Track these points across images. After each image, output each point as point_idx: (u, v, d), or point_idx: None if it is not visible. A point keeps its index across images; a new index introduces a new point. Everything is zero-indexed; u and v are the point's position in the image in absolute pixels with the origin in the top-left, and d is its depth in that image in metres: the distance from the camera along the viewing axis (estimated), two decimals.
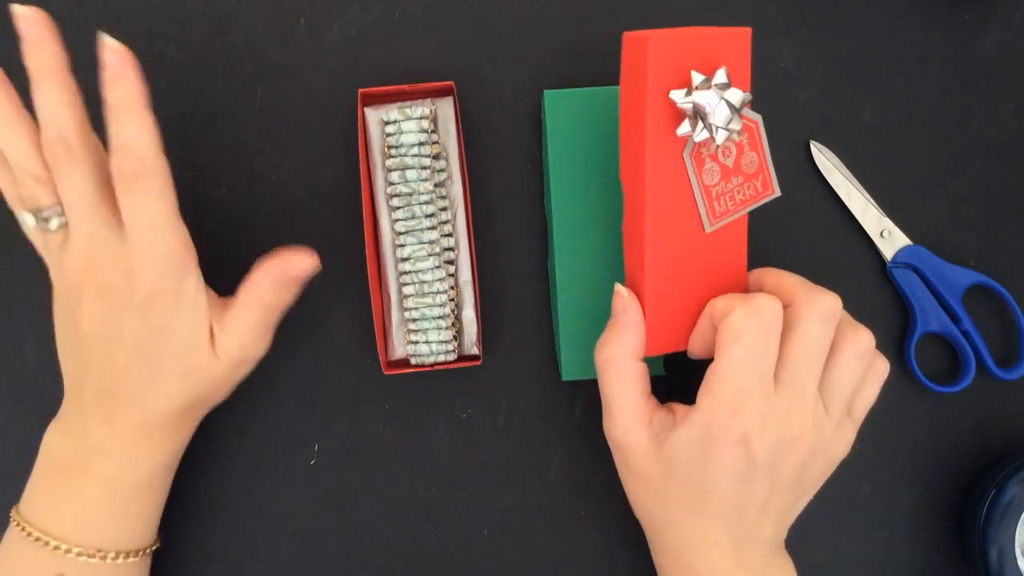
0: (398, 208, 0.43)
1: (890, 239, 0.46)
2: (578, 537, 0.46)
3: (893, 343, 0.47)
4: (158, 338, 0.38)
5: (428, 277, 0.43)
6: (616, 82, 0.46)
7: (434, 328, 0.43)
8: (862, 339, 0.38)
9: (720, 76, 0.35)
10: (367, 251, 0.43)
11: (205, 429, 0.45)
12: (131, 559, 0.39)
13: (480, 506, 0.46)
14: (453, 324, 0.44)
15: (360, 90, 0.43)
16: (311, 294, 0.46)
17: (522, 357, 0.46)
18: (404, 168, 0.43)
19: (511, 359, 0.46)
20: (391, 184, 0.43)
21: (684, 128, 0.35)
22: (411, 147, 0.43)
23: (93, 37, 0.46)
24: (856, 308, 0.47)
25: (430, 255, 0.43)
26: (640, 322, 0.39)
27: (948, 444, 0.47)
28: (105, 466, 0.38)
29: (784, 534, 0.40)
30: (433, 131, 0.43)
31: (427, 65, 0.46)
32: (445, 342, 0.43)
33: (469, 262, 0.44)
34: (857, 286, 0.47)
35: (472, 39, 0.47)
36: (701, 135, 0.35)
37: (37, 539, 0.38)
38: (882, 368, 0.39)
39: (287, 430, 0.46)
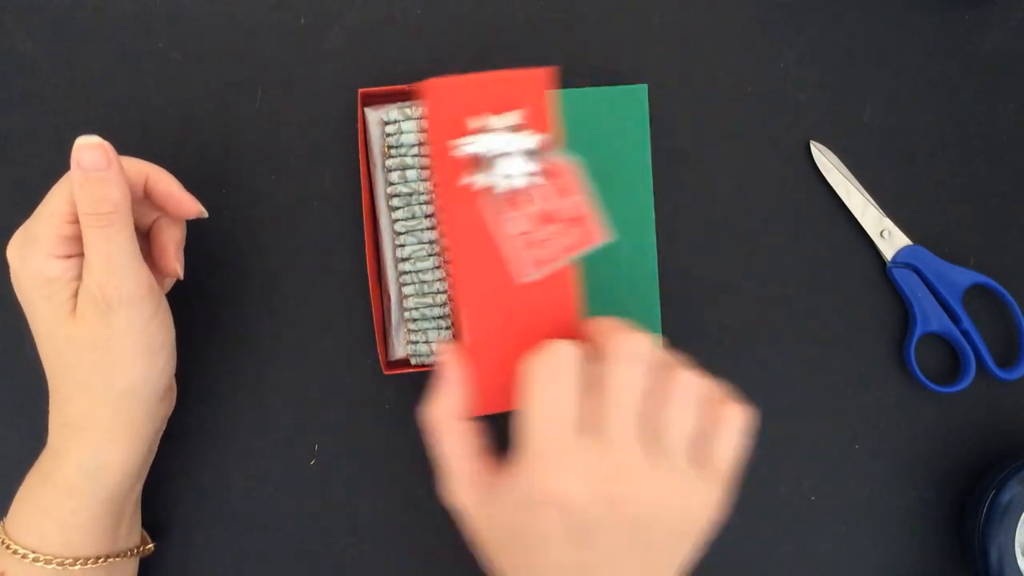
0: (398, 208, 0.43)
1: (890, 239, 0.46)
2: None
3: (893, 343, 0.47)
4: (27, 313, 0.38)
5: (428, 277, 0.43)
6: (616, 82, 0.47)
7: (434, 328, 0.43)
8: (689, 382, 0.34)
9: (503, 121, 0.34)
10: (367, 251, 0.43)
11: (205, 429, 0.45)
12: (75, 567, 0.38)
13: None
14: (453, 324, 0.44)
15: (360, 90, 0.43)
16: (312, 294, 0.46)
17: None
18: (404, 168, 0.43)
19: None
20: (391, 184, 0.43)
21: (468, 177, 0.34)
22: (411, 147, 0.43)
23: (94, 38, 0.46)
24: (856, 308, 0.47)
25: (430, 255, 0.43)
26: (460, 379, 0.36)
27: (948, 444, 0.47)
28: (43, 460, 0.39)
29: None
30: None
31: (427, 65, 0.46)
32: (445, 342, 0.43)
33: None
34: (857, 286, 0.47)
35: (472, 39, 0.47)
36: (483, 182, 0.34)
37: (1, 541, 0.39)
38: (733, 415, 0.35)
39: (287, 430, 0.46)
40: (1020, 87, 0.48)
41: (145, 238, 0.41)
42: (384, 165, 0.43)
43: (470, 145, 0.34)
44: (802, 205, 0.47)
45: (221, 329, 0.46)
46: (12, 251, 0.37)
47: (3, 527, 0.39)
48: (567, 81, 0.47)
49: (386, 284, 0.44)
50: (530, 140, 0.34)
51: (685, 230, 0.47)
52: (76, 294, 0.37)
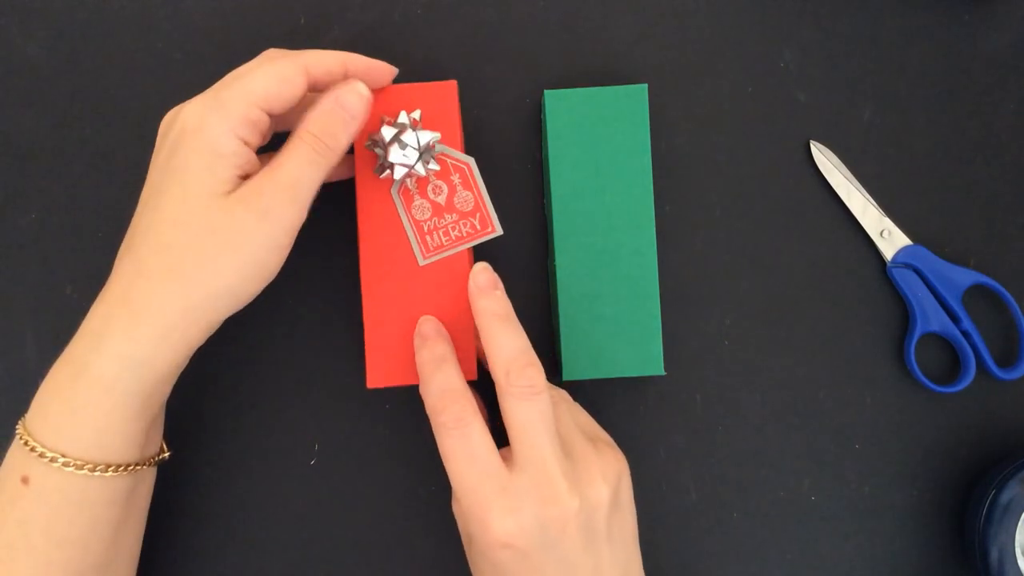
0: None
1: (890, 239, 0.46)
2: None
3: (893, 343, 0.47)
4: (166, 178, 0.35)
5: None
6: (616, 82, 0.47)
7: None
8: (538, 401, 0.36)
9: (401, 118, 0.40)
10: (360, 261, 0.43)
11: (205, 429, 0.45)
12: (107, 473, 0.35)
13: None
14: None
15: None
16: (313, 293, 0.46)
17: None
18: None
19: None
20: None
21: (376, 166, 0.40)
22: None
23: (94, 38, 0.46)
24: (856, 308, 0.47)
25: None
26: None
27: (948, 444, 0.47)
28: (76, 346, 0.35)
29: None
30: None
31: (427, 65, 0.46)
32: None
33: None
34: (857, 286, 0.47)
35: (472, 39, 0.47)
36: (385, 172, 0.40)
37: (19, 436, 0.35)
38: (558, 396, 0.40)
39: (287, 430, 0.46)
40: (1020, 87, 0.48)
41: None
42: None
43: (374, 135, 0.40)
44: (802, 205, 0.47)
45: (220, 328, 0.45)
46: (194, 108, 0.35)
47: (24, 426, 0.36)
48: (567, 81, 0.47)
49: None
50: (426, 134, 0.39)
51: (685, 230, 0.47)
52: (237, 178, 0.35)
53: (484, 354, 0.38)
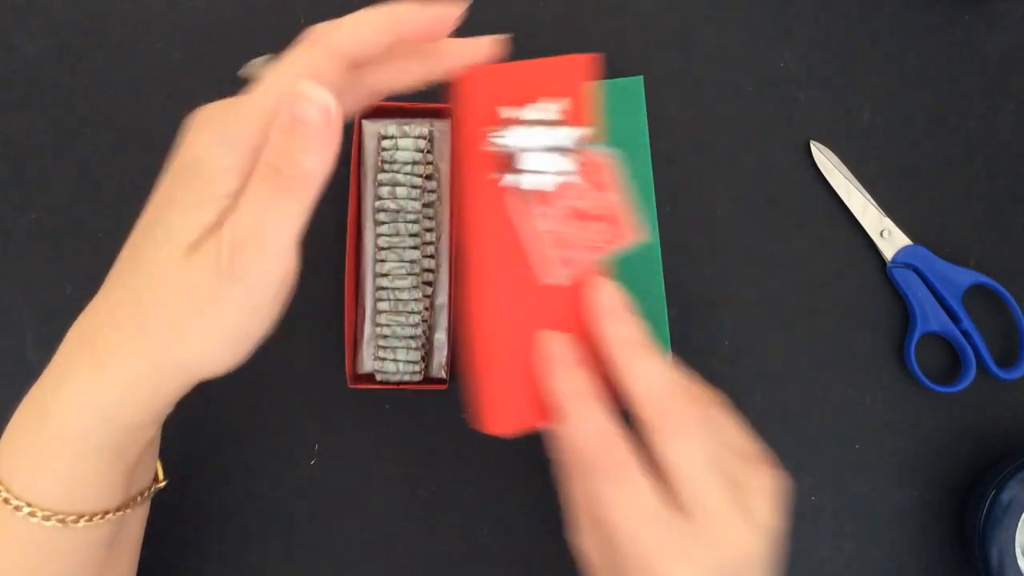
0: (383, 223, 0.43)
1: (890, 239, 0.46)
2: None
3: (893, 343, 0.47)
4: (159, 210, 0.30)
5: (404, 296, 0.43)
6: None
7: (403, 347, 0.43)
8: (697, 437, 0.32)
9: (537, 113, 0.31)
10: (347, 262, 0.43)
11: (204, 430, 0.45)
12: (79, 524, 0.31)
13: (480, 506, 0.46)
14: (423, 345, 0.44)
15: None
16: (312, 293, 0.46)
17: None
18: (395, 184, 0.42)
19: None
20: (380, 199, 0.43)
21: (497, 173, 0.31)
22: (404, 164, 0.43)
23: (94, 38, 0.46)
24: (856, 308, 0.47)
25: (409, 274, 0.43)
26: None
27: (948, 444, 0.47)
28: (44, 383, 0.32)
29: None
30: (429, 151, 0.43)
31: None
32: (412, 362, 0.43)
33: (447, 286, 0.44)
34: (857, 286, 0.47)
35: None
36: (513, 179, 0.31)
37: None
38: (708, 411, 0.34)
39: (287, 430, 0.46)
40: (1020, 87, 0.48)
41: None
42: (375, 179, 0.43)
43: (502, 139, 0.31)
44: (802, 205, 0.47)
45: None
46: (203, 135, 0.30)
47: None
48: None
49: (363, 297, 0.44)
50: (567, 135, 0.31)
51: (684, 230, 0.47)
52: (200, 236, 0.29)
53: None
